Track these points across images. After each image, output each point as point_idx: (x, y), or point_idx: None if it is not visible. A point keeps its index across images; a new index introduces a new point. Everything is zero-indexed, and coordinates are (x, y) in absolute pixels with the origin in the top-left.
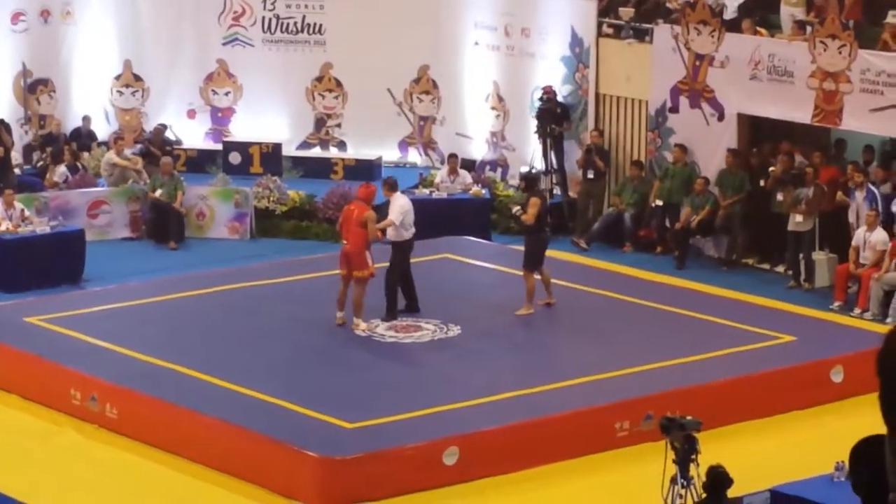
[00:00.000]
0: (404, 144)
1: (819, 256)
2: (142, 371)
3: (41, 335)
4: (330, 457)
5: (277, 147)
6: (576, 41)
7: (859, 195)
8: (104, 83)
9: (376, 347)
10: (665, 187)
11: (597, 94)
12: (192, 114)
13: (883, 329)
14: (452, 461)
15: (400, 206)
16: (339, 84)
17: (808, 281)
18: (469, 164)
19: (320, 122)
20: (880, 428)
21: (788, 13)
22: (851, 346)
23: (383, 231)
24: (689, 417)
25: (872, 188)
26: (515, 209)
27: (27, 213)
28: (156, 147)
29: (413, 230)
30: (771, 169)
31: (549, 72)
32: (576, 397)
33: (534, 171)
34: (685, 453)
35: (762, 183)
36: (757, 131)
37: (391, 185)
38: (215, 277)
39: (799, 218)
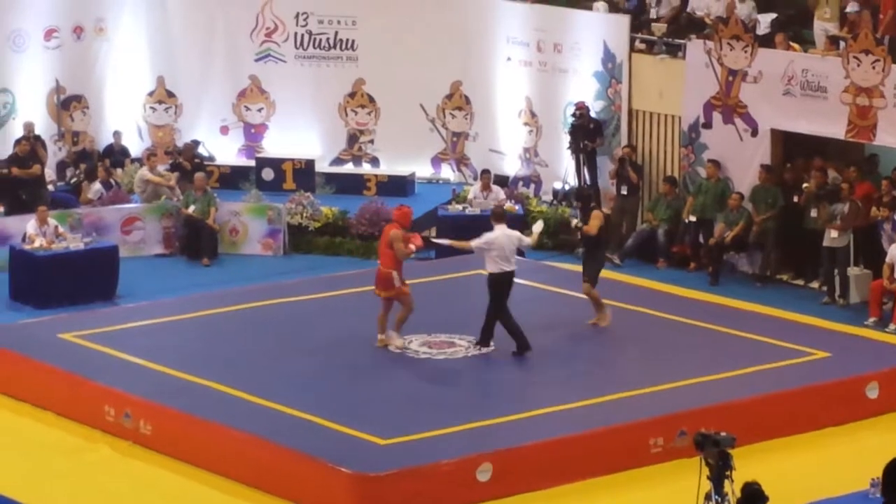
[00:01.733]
0: (437, 160)
1: (854, 272)
2: (175, 387)
3: (75, 351)
4: (363, 473)
5: (310, 163)
6: (608, 56)
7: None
8: (137, 99)
9: (410, 364)
10: (698, 203)
11: (629, 110)
12: (224, 130)
13: None
14: (486, 477)
15: (491, 236)
16: (371, 100)
17: (843, 297)
18: (502, 180)
19: (353, 138)
20: None
21: (821, 28)
22: (887, 362)
23: (422, 244)
24: (723, 434)
25: None
26: (575, 222)
27: (61, 229)
28: (186, 161)
29: (511, 265)
30: (805, 185)
31: (582, 87)
32: (610, 413)
33: (569, 192)
34: (719, 470)
35: (795, 199)
36: (789, 147)
37: (497, 216)
38: (248, 294)
39: (834, 234)
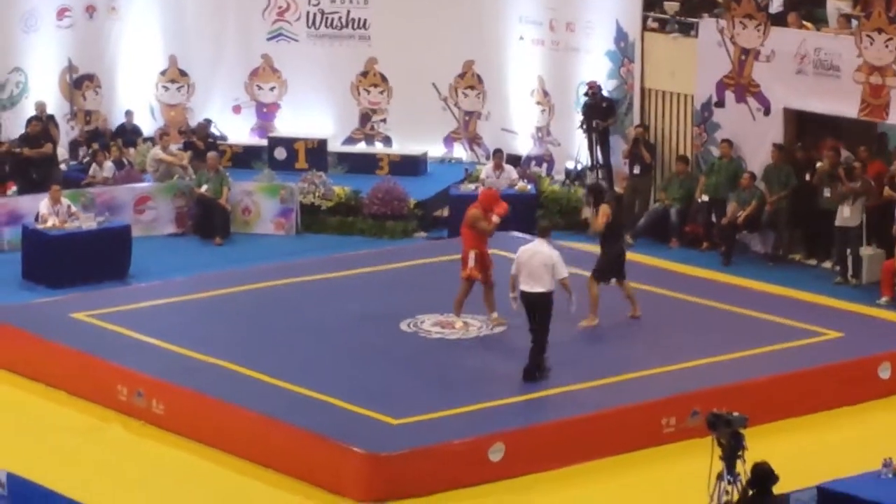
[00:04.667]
0: (450, 140)
1: (866, 252)
2: (188, 366)
3: (88, 331)
4: (375, 453)
5: (323, 142)
6: (621, 35)
7: None
8: (149, 79)
9: (422, 343)
10: (711, 182)
11: (642, 89)
12: (237, 109)
13: None
14: (498, 457)
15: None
16: (384, 79)
17: (856, 276)
18: (514, 160)
19: (365, 118)
20: None
21: (834, 7)
22: None
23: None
24: (735, 414)
25: None
26: (586, 216)
27: (74, 208)
28: (199, 140)
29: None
30: (818, 164)
31: (594, 66)
32: (622, 393)
33: (581, 171)
34: (731, 450)
35: (807, 177)
36: (801, 125)
37: (542, 230)
38: (260, 273)
39: (846, 213)
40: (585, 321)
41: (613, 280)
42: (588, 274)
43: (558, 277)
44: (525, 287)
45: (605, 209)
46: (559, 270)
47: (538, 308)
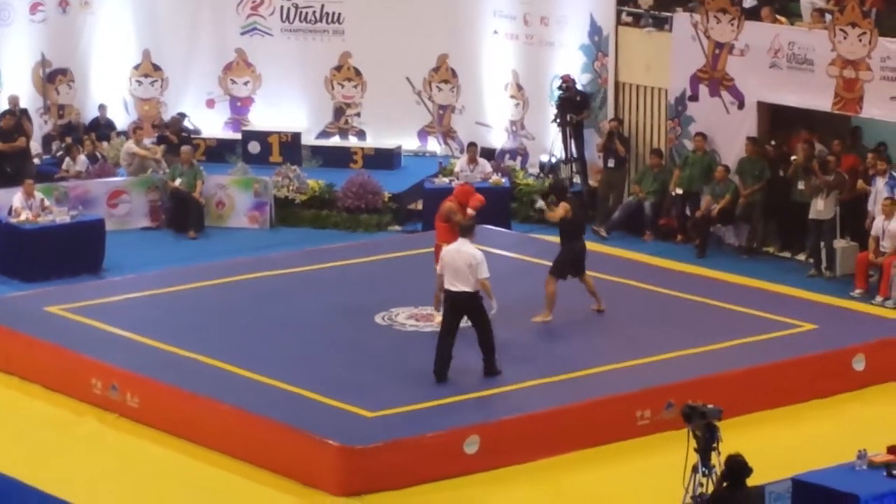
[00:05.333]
0: (424, 133)
1: (840, 244)
2: (162, 360)
3: (62, 325)
4: (350, 446)
5: (297, 136)
6: (595, 30)
7: (880, 182)
8: (123, 73)
9: (397, 336)
10: (685, 176)
11: (616, 83)
12: (210, 103)
13: None
14: (473, 450)
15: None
16: (358, 73)
17: (830, 269)
18: (489, 153)
19: (339, 112)
20: None
21: (808, 1)
22: (873, 334)
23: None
24: (710, 406)
25: None
26: (539, 204)
27: (47, 202)
28: (173, 135)
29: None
30: (793, 157)
31: (569, 60)
32: (597, 386)
33: (556, 164)
34: (707, 442)
35: (781, 173)
36: (776, 119)
37: (464, 229)
38: (235, 267)
39: (820, 206)
40: (539, 316)
41: (570, 277)
42: None
43: (479, 277)
44: (450, 287)
45: (564, 205)
46: (481, 270)
47: (466, 309)
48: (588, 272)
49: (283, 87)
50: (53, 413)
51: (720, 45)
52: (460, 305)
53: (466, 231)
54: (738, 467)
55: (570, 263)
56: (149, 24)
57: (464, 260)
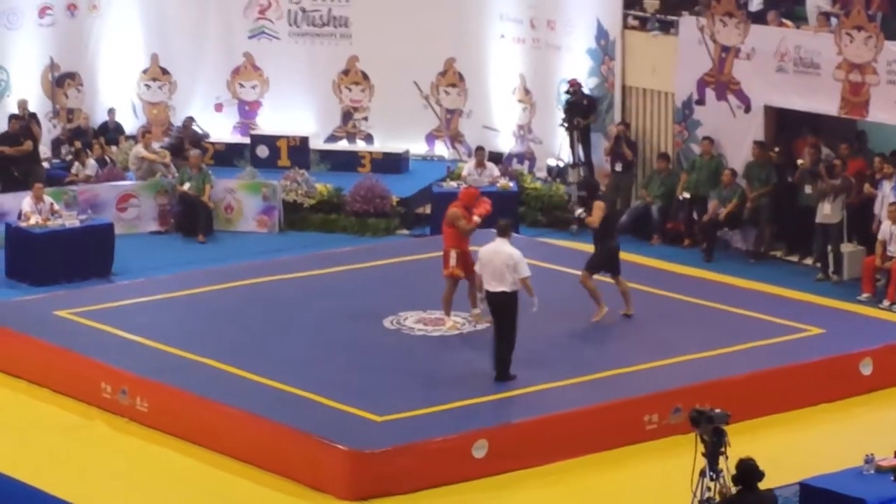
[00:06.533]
0: (431, 137)
1: (847, 248)
2: (172, 364)
3: (71, 329)
4: (359, 450)
5: (305, 140)
6: (601, 33)
7: (887, 186)
8: (131, 77)
9: (405, 341)
10: (692, 180)
11: (623, 87)
12: (219, 107)
13: None
14: (481, 454)
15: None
16: (365, 77)
17: (837, 273)
18: (496, 157)
19: (347, 116)
20: None
21: (814, 4)
22: (880, 338)
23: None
24: (717, 410)
25: None
26: (579, 212)
27: (56, 206)
28: (187, 140)
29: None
30: (799, 161)
31: (575, 64)
32: (604, 390)
33: (563, 168)
34: (714, 446)
35: (790, 179)
36: (782, 123)
37: (501, 229)
38: (243, 271)
39: (827, 210)
40: (596, 314)
41: (607, 274)
42: (573, 271)
43: (520, 277)
44: (489, 287)
45: (599, 204)
46: (521, 270)
47: (503, 308)
48: (596, 277)
49: (291, 91)
50: (63, 417)
51: (726, 49)
52: (495, 305)
53: (504, 231)
54: (749, 471)
55: (605, 260)
56: (157, 27)
57: (501, 260)
